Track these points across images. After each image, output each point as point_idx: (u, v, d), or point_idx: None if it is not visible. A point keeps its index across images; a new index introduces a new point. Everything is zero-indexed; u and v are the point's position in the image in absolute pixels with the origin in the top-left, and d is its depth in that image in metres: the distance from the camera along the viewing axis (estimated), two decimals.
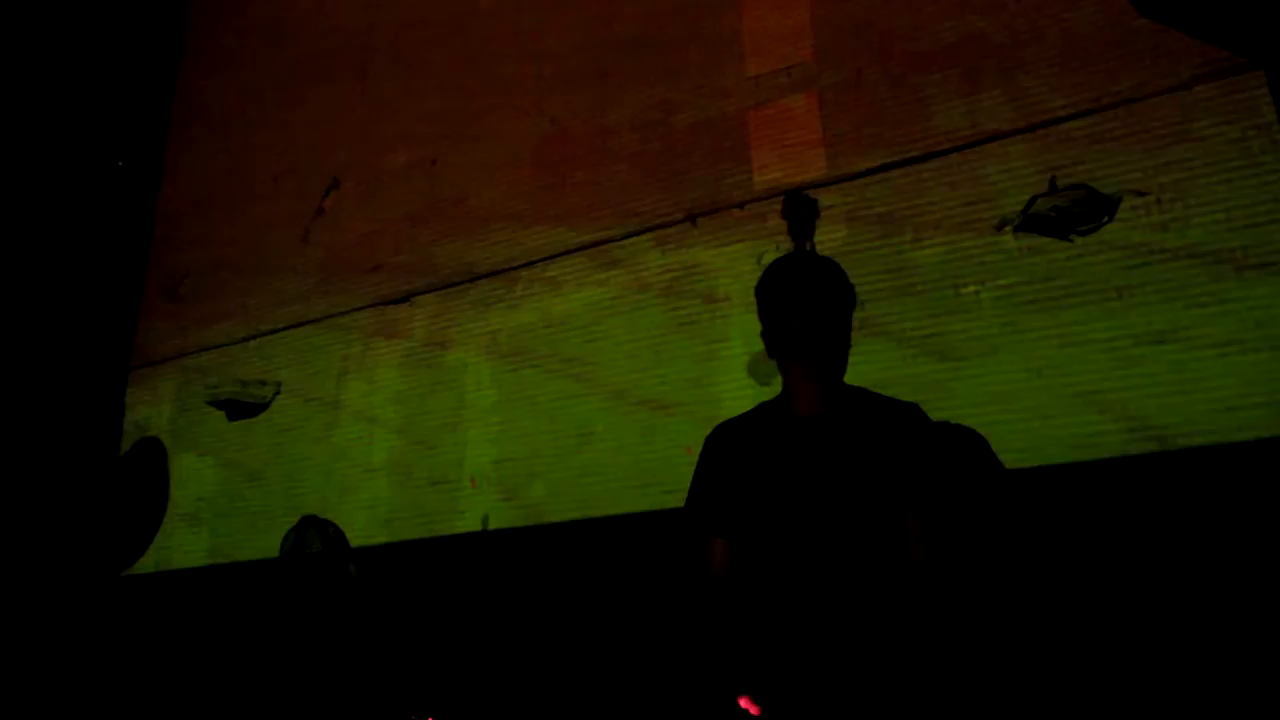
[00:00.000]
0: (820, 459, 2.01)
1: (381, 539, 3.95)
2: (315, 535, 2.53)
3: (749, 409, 2.25)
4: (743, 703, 1.85)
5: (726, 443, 2.16)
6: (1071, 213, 2.90)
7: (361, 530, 3.96)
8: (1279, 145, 2.66)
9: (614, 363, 3.62)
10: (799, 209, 3.35)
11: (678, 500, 3.28)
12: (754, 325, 3.30)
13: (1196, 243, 2.72)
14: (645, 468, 3.45)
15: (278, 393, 4.49)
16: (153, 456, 4.63)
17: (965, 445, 2.79)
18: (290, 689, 2.43)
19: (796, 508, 1.99)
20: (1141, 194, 2.83)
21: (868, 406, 2.08)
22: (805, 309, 2.02)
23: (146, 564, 4.60)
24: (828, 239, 3.27)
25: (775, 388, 3.24)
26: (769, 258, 3.37)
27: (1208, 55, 2.81)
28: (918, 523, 1.96)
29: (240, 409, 4.57)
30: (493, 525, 3.73)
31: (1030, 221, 2.96)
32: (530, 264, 3.91)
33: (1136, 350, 2.73)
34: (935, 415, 2.88)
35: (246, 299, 4.76)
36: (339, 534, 2.55)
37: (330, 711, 2.36)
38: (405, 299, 4.22)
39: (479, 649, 3.49)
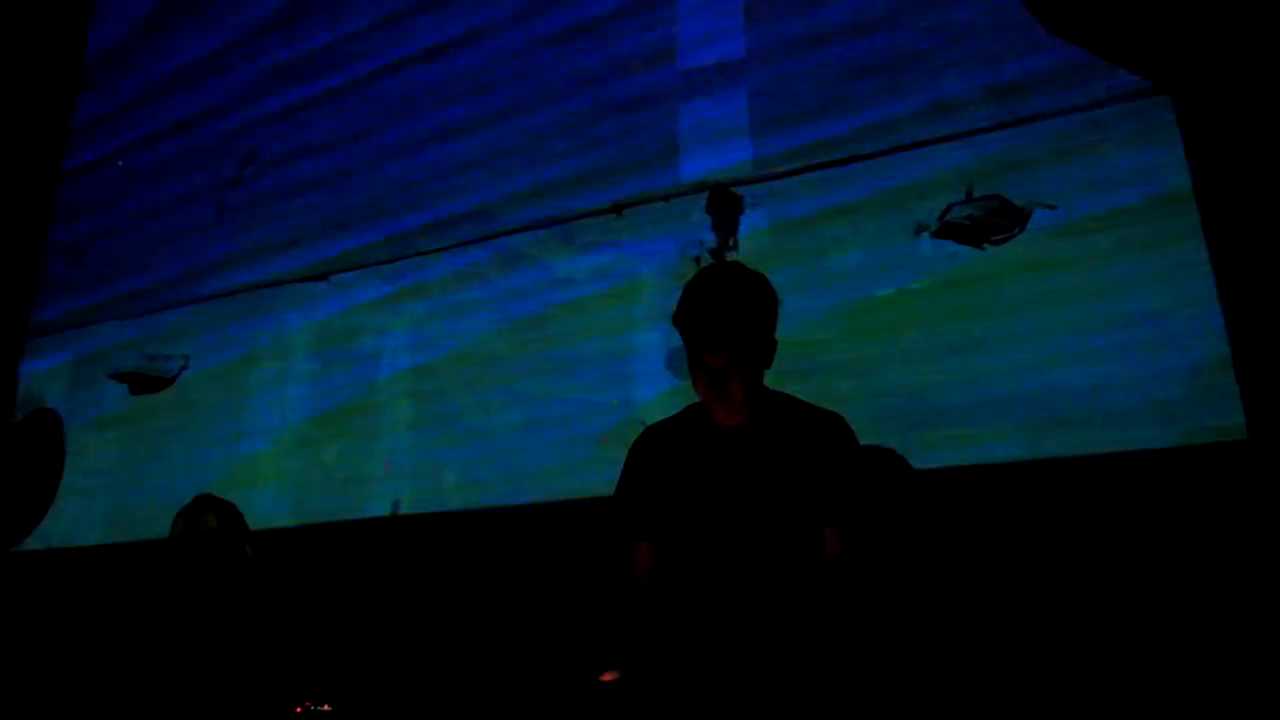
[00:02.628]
0: (741, 470, 2.01)
1: (288, 522, 3.86)
2: (210, 514, 2.44)
3: (677, 411, 2.22)
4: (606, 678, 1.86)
5: (653, 448, 2.14)
6: (985, 221, 2.98)
7: (267, 513, 3.86)
8: (1182, 163, 2.78)
9: (532, 351, 3.59)
10: (723, 204, 3.38)
11: (591, 491, 3.30)
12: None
13: (1101, 257, 2.82)
14: (560, 458, 3.44)
15: (185, 367, 4.34)
16: (47, 428, 4.43)
17: (882, 460, 2.83)
18: (183, 673, 2.36)
19: (717, 517, 2.00)
20: (1052, 207, 2.92)
21: (791, 416, 2.08)
22: (720, 347, 1.94)
23: (35, 541, 4.41)
24: (750, 235, 3.31)
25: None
26: (691, 252, 3.39)
27: (1121, 77, 2.92)
28: (835, 533, 1.98)
29: (144, 382, 4.41)
30: (404, 510, 3.68)
31: (946, 228, 3.03)
32: (452, 247, 3.86)
33: (1042, 358, 2.82)
34: (844, 412, 2.93)
35: (155, 269, 4.59)
36: (235, 513, 2.47)
37: (225, 698, 2.30)
38: (322, 276, 4.12)
39: (384, 637, 3.44)
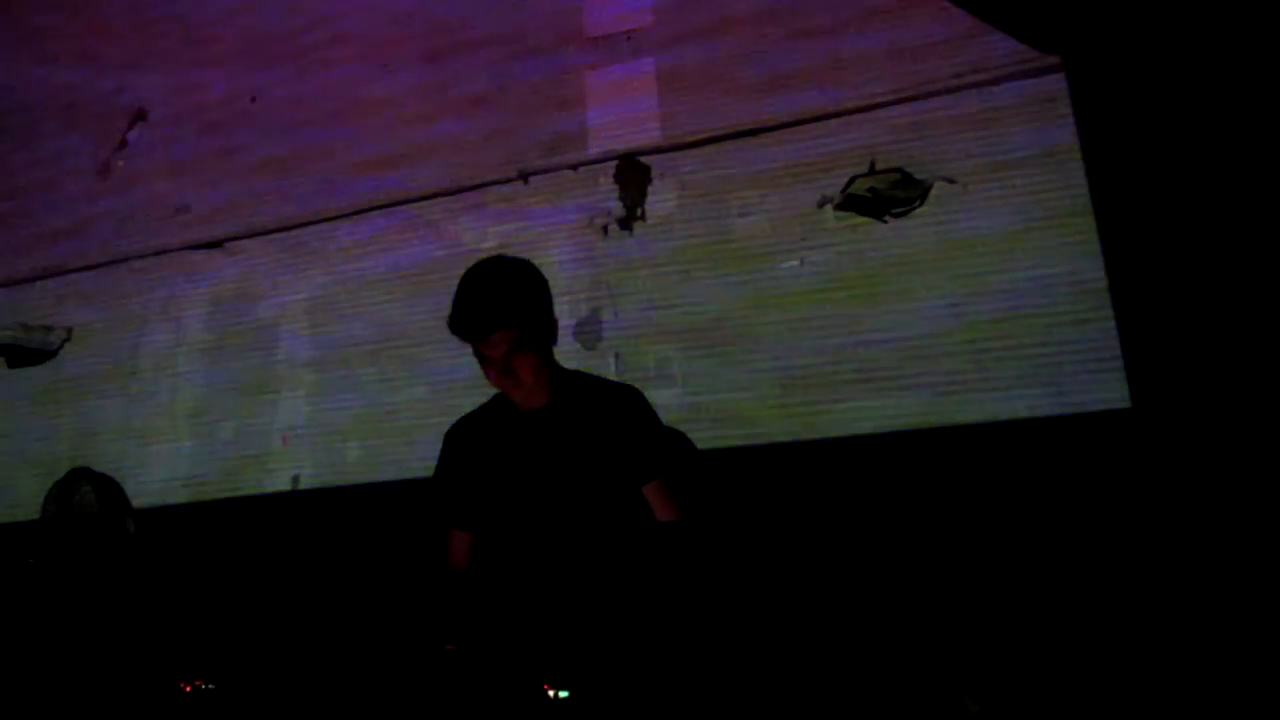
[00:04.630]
0: (545, 450, 2.04)
1: (181, 499, 3.73)
2: (87, 489, 2.32)
3: (485, 404, 2.22)
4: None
5: (462, 438, 2.16)
6: (887, 195, 3.03)
7: (159, 490, 3.72)
8: (1073, 139, 2.87)
9: (437, 322, 3.51)
10: (631, 173, 3.36)
11: None
12: (579, 289, 3.33)
13: (994, 230, 2.91)
14: None
15: (67, 340, 4.13)
16: None
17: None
18: (61, 657, 2.25)
19: (529, 498, 2.03)
20: (951, 181, 2.99)
21: (588, 392, 2.11)
22: (485, 338, 1.96)
23: None
24: (657, 205, 3.30)
25: (599, 354, 3.27)
26: (599, 221, 3.37)
27: (1017, 53, 2.99)
28: (660, 486, 2.01)
29: (23, 355, 4.18)
30: (304, 485, 3.58)
31: (849, 201, 3.08)
32: (353, 214, 3.75)
33: (935, 328, 2.90)
34: (750, 382, 2.97)
35: (34, 235, 4.34)
36: (114, 487, 2.35)
37: (105, 681, 2.21)
38: (216, 244, 3.96)
39: (282, 614, 3.35)
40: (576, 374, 2.16)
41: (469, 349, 2.05)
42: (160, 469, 3.79)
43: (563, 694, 1.77)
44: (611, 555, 1.95)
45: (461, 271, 3.44)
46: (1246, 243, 2.60)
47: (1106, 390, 2.72)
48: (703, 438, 2.38)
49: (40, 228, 4.32)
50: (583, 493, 2.01)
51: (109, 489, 2.36)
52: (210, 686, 2.04)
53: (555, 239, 3.41)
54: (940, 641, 2.61)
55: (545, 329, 2.05)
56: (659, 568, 1.93)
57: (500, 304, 1.97)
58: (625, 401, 2.09)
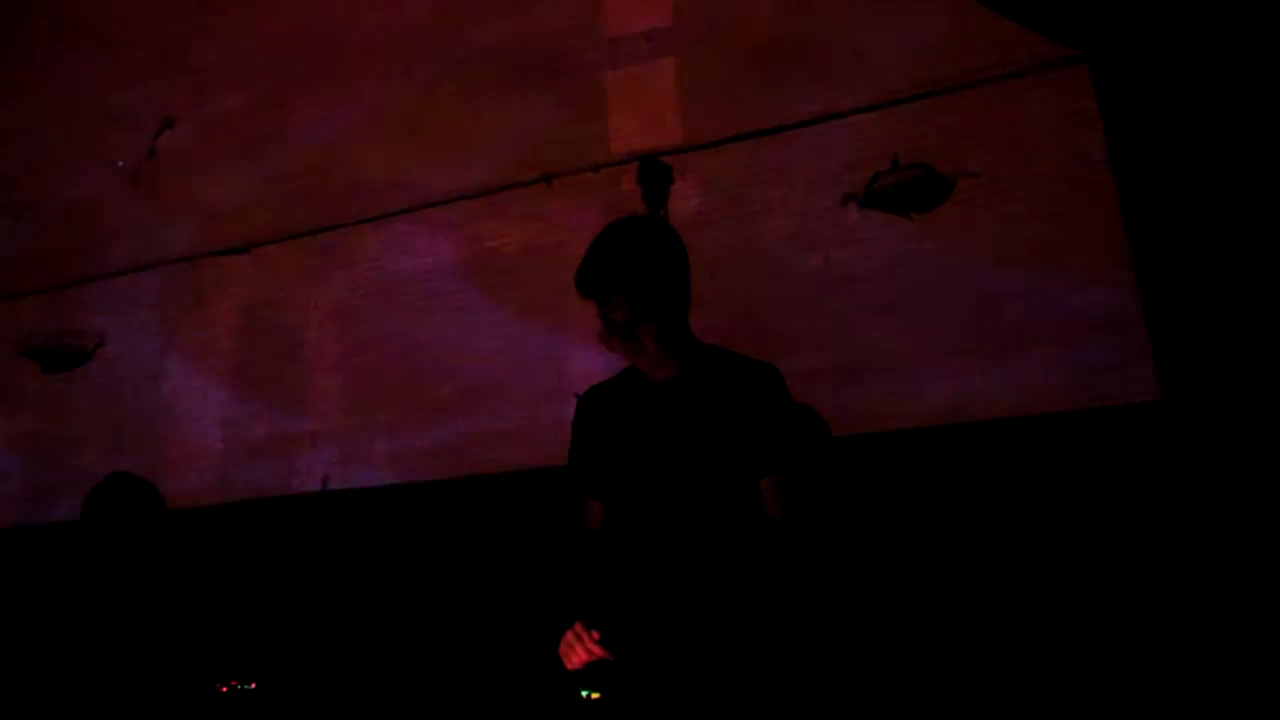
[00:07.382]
0: (676, 423, 1.97)
1: (211, 501, 3.78)
2: (126, 494, 2.37)
3: (620, 372, 2.18)
4: (594, 639, 1.81)
5: (593, 408, 2.10)
6: (911, 190, 3.02)
7: (189, 492, 3.77)
8: (1098, 132, 2.85)
9: (463, 323, 3.55)
10: (653, 174, 3.36)
11: (524, 462, 3.29)
12: None
13: (1020, 224, 2.89)
14: (492, 430, 3.41)
15: (100, 344, 4.20)
16: None
17: (808, 419, 2.87)
18: (103, 657, 2.30)
19: (654, 469, 1.97)
20: (974, 175, 2.97)
21: (724, 367, 2.02)
22: (608, 300, 1.88)
23: None
24: (680, 204, 3.30)
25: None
26: None
27: (1039, 46, 2.97)
28: (774, 484, 1.94)
29: (57, 360, 4.25)
30: (333, 486, 3.62)
31: (873, 197, 3.07)
32: (379, 218, 3.78)
33: (962, 324, 2.88)
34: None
35: (68, 242, 4.40)
36: (152, 491, 2.39)
37: (146, 681, 2.25)
38: (243, 249, 4.01)
39: (316, 615, 3.39)
40: (714, 348, 2.05)
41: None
42: (193, 472, 3.84)
43: (594, 695, 1.79)
44: (715, 543, 1.91)
45: (485, 274, 3.53)
46: (1276, 235, 2.57)
47: (1136, 384, 2.70)
48: None
49: (73, 234, 4.38)
50: (699, 473, 1.93)
51: (146, 493, 2.40)
52: (247, 687, 2.07)
53: (578, 241, 3.39)
54: (967, 636, 2.61)
55: (674, 296, 1.95)
56: (753, 566, 1.89)
57: (624, 265, 1.88)
58: (759, 382, 1.98)
